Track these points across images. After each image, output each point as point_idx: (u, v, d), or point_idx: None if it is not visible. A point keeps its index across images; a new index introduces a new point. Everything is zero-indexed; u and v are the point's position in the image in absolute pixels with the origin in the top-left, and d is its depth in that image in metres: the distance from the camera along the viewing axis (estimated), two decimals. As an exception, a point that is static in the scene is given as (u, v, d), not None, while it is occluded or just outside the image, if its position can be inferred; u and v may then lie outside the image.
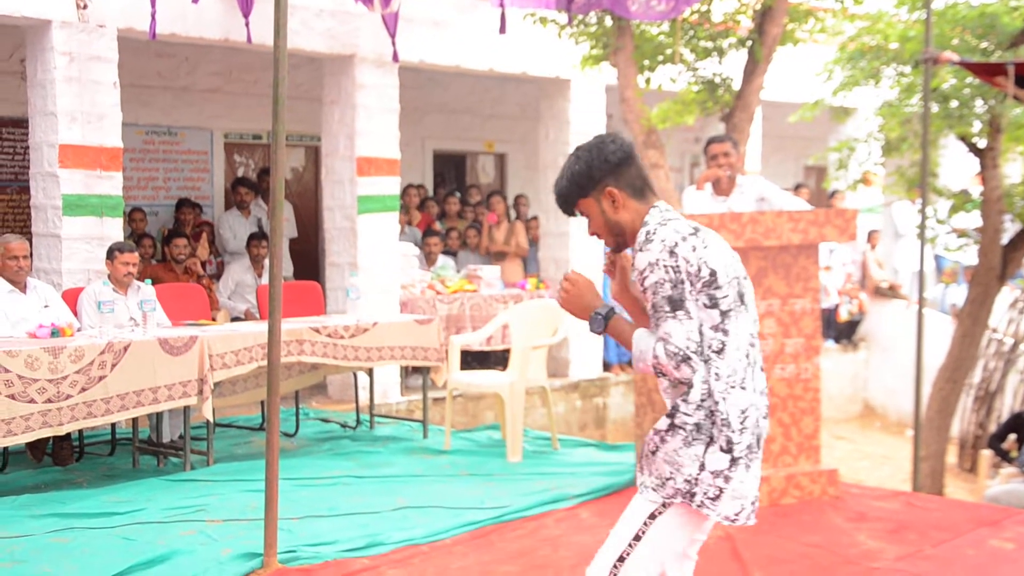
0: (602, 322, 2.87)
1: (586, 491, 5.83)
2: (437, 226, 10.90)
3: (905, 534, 5.09)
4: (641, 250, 2.79)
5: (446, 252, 10.45)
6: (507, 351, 8.45)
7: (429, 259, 10.00)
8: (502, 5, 7.54)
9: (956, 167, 12.62)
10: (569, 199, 2.92)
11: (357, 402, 7.87)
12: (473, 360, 9.71)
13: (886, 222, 14.84)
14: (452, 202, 11.33)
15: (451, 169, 13.16)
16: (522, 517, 5.38)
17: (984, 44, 8.46)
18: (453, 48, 9.28)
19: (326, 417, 7.97)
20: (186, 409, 6.10)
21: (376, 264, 8.83)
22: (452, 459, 6.71)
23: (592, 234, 2.95)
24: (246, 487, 5.70)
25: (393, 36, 8.13)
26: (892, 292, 13.65)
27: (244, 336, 6.22)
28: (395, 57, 8.35)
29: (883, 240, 14.48)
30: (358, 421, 7.73)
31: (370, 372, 7.63)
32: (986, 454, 9.82)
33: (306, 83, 10.45)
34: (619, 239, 2.92)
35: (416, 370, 8.95)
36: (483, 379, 7.12)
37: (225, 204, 10.60)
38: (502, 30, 7.57)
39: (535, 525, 5.28)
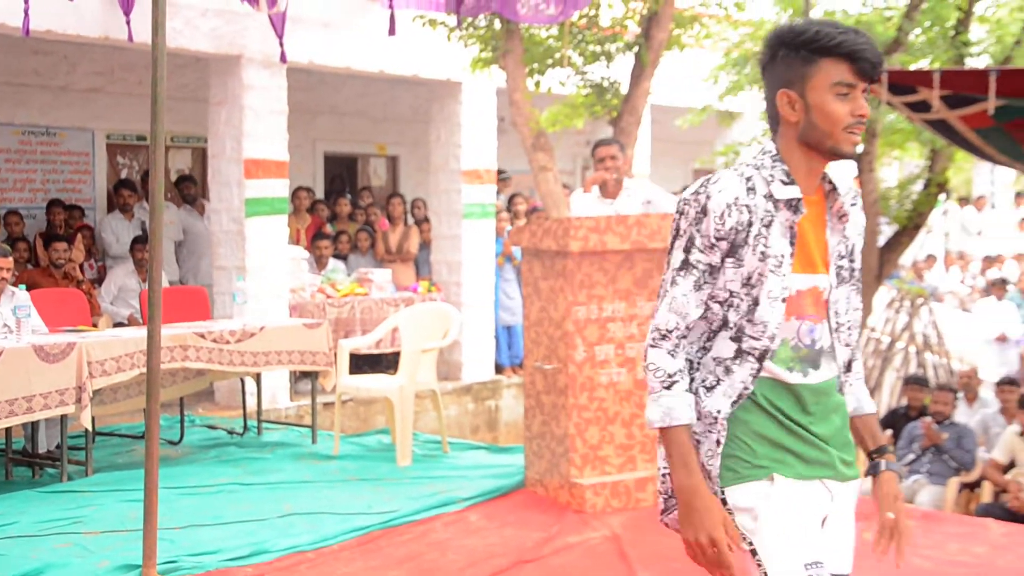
0: None
1: (475, 494, 5.83)
2: (328, 229, 10.79)
3: (785, 529, 5.20)
4: (853, 203, 2.44)
5: (337, 255, 10.36)
6: (398, 354, 8.41)
7: (319, 263, 9.89)
8: (391, 7, 7.51)
9: (836, 171, 12.99)
10: None
11: (244, 408, 7.74)
12: (364, 364, 9.63)
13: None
14: (343, 204, 11.23)
15: (343, 171, 13.06)
16: (410, 521, 5.35)
17: (860, 52, 8.73)
18: (343, 49, 9.20)
19: (212, 423, 7.82)
20: (63, 418, 5.92)
21: (265, 268, 8.70)
22: (341, 464, 6.64)
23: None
24: (126, 497, 5.54)
25: (281, 37, 8.02)
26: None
27: (125, 342, 6.06)
28: (283, 58, 8.24)
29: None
30: (245, 427, 7.60)
31: (257, 377, 7.51)
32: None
33: (192, 83, 10.26)
34: None
35: (306, 375, 8.83)
36: (372, 383, 7.07)
37: (108, 207, 10.32)
38: (391, 32, 7.54)
39: (423, 529, 5.25)
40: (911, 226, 9.64)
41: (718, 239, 2.27)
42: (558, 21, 7.53)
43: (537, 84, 8.16)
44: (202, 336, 6.43)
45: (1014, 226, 16.69)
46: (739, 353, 2.31)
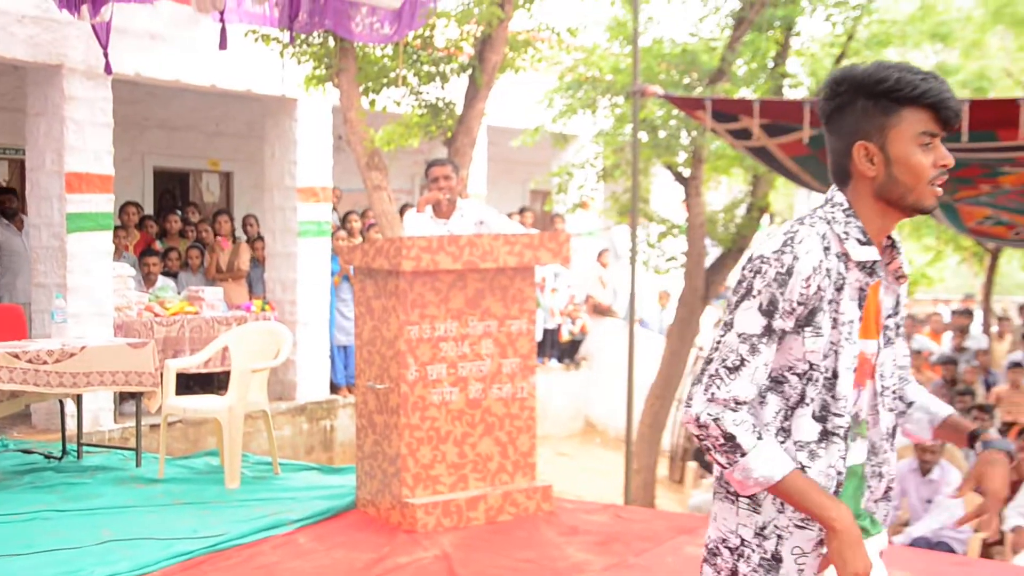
0: None
1: (306, 516, 5.74)
2: (157, 246, 10.48)
3: (612, 545, 5.31)
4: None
5: (166, 273, 10.06)
6: (230, 374, 8.23)
7: (148, 280, 9.60)
8: (222, 20, 7.36)
9: (667, 194, 13.42)
10: None
11: (63, 431, 7.42)
12: (196, 384, 9.40)
13: (610, 245, 15.57)
14: (173, 221, 10.92)
15: (174, 187, 12.71)
16: (237, 545, 5.23)
17: (687, 80, 9.07)
18: (172, 62, 8.97)
19: (28, 448, 7.46)
20: None
21: (88, 285, 8.39)
22: (166, 488, 6.44)
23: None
24: (-71, 527, 5.24)
25: (105, 47, 7.75)
26: (607, 312, 14.30)
27: (-69, 363, 5.74)
28: (108, 69, 7.96)
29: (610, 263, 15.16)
30: (64, 451, 7.28)
31: (78, 399, 7.22)
32: (692, 466, 10.44)
33: (10, 92, 9.83)
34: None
35: (131, 396, 8.54)
36: (199, 404, 6.89)
37: (-85, 220, 9.75)
38: (222, 46, 7.39)
39: (251, 552, 5.14)
40: (735, 248, 10.02)
41: (799, 304, 2.08)
42: (393, 40, 7.54)
43: (372, 103, 8.13)
44: (16, 356, 6.14)
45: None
46: (824, 435, 2.14)
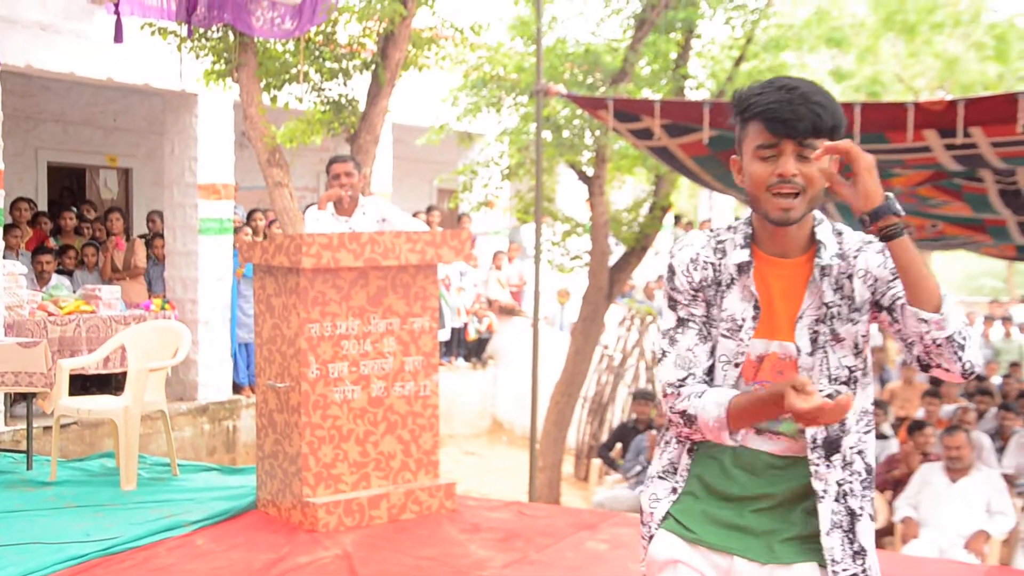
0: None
1: (204, 517, 5.64)
2: (51, 243, 10.20)
3: (513, 542, 5.33)
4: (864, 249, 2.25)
5: (61, 271, 9.80)
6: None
7: (41, 279, 9.33)
8: (117, 12, 7.19)
9: (571, 193, 13.51)
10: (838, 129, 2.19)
11: (-49, 435, 7.19)
12: (93, 385, 9.17)
13: (527, 243, 15.60)
14: (68, 218, 10.64)
15: (72, 183, 12.39)
16: (132, 548, 5.12)
17: (590, 80, 9.14)
18: (65, 55, 8.73)
19: (-87, 452, 7.21)
20: None
21: (-24, 284, 8.13)
22: (58, 491, 6.27)
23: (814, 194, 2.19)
24: None
25: (-7, 37, 7.53)
26: (513, 311, 14.35)
27: None
28: (-4, 60, 7.75)
29: (517, 261, 15.20)
30: (-49, 455, 7.06)
31: (-34, 401, 7.00)
32: (597, 463, 10.53)
33: None
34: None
35: (23, 397, 8.30)
36: (94, 404, 6.72)
37: None
38: (118, 39, 7.22)
39: (146, 555, 5.04)
40: (639, 247, 10.13)
41: (695, 291, 2.28)
42: (294, 36, 7.44)
43: (273, 99, 8.01)
44: (-101, 357, 5.93)
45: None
46: None
